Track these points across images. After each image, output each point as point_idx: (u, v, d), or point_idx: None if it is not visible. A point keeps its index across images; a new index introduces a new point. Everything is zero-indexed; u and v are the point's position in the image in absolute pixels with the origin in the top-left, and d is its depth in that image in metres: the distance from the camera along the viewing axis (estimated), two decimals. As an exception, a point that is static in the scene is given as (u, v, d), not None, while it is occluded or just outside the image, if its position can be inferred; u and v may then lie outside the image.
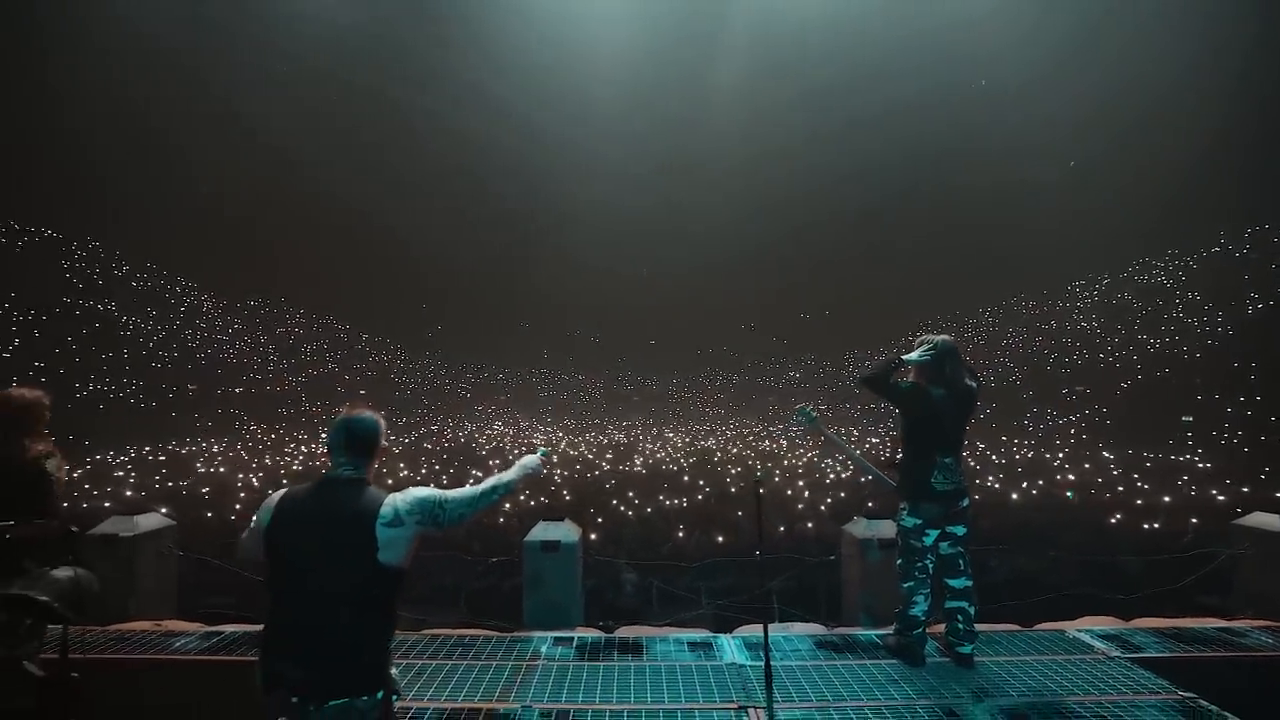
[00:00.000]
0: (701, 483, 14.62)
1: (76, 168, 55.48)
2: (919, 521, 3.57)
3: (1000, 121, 69.09)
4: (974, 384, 3.69)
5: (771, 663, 3.74)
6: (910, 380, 3.65)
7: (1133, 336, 37.47)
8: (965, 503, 3.64)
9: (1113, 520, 9.99)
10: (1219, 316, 34.12)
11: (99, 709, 3.10)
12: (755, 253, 74.25)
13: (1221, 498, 12.02)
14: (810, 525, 8.94)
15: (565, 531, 4.74)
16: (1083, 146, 63.93)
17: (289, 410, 42.20)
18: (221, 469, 18.18)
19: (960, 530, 3.62)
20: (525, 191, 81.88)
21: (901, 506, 3.68)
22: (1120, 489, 14.01)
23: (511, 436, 34.62)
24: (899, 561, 3.70)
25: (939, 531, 3.58)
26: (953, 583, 3.65)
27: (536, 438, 34.15)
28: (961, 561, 3.64)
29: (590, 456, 20.56)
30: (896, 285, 62.19)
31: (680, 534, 8.82)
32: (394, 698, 1.97)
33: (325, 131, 74.49)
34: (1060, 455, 21.76)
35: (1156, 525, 8.90)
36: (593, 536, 8.79)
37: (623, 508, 10.61)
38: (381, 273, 69.23)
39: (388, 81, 75.22)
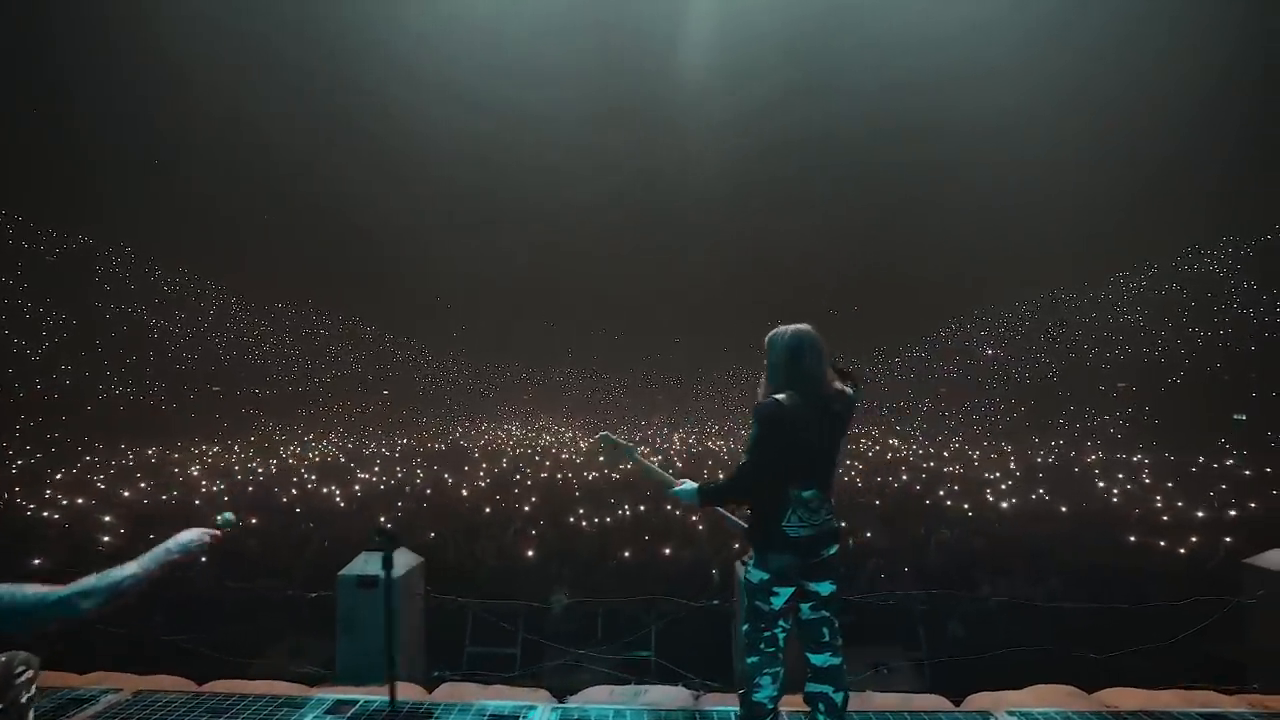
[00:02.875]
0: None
1: (105, 176, 57.53)
2: (765, 576, 2.62)
3: (1033, 102, 65.85)
4: (850, 389, 2.73)
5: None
6: (764, 395, 2.69)
7: (1182, 329, 35.06)
8: (833, 550, 2.69)
9: (1131, 539, 8.73)
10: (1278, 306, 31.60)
11: None
12: (783, 248, 72.73)
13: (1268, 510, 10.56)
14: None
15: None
16: (1128, 126, 60.50)
17: (310, 410, 42.68)
18: (196, 473, 17.76)
19: (825, 588, 2.66)
20: (548, 190, 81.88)
21: (748, 556, 2.75)
22: (1149, 498, 12.58)
23: (524, 437, 34.16)
24: (744, 628, 2.77)
25: (793, 589, 2.64)
26: (814, 659, 2.69)
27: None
28: (827, 630, 2.67)
29: (577, 460, 19.75)
30: (927, 279, 59.96)
31: (627, 554, 7.92)
32: None
33: (341, 139, 75.87)
34: (1090, 458, 20.10)
35: (1169, 545, 7.62)
36: (530, 553, 8.01)
37: (576, 519, 9.74)
38: (405, 275, 70.06)
39: (395, 87, 75.92)
